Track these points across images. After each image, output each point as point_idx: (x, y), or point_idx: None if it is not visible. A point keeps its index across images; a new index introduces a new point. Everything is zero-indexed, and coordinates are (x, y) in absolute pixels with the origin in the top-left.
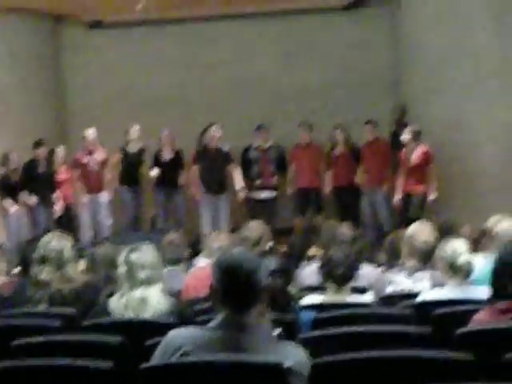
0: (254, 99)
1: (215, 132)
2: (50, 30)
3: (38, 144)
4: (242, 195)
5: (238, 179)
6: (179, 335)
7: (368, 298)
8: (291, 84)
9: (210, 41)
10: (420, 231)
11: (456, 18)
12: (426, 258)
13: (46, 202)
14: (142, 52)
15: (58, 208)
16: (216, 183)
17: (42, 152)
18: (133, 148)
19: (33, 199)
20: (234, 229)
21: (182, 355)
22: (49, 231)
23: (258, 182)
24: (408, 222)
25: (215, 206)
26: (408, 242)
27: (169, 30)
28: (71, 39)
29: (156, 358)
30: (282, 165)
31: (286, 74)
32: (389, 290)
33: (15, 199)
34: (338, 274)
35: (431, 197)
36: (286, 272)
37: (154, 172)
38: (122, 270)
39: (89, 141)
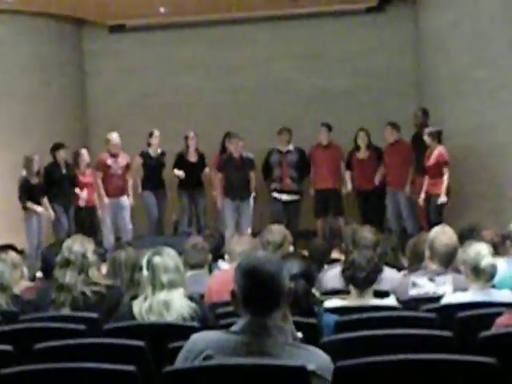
0: (277, 102)
1: (236, 142)
2: (73, 34)
3: (57, 147)
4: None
5: (252, 185)
6: (202, 339)
7: (390, 301)
8: (314, 87)
9: (233, 44)
10: (441, 234)
11: (479, 20)
12: (447, 261)
13: (67, 205)
14: (163, 56)
15: (82, 202)
16: (240, 190)
17: (61, 154)
18: (154, 152)
19: (52, 213)
20: (256, 233)
21: (204, 359)
22: (70, 235)
23: (276, 185)
24: (431, 225)
25: (238, 210)
26: (429, 246)
27: (190, 34)
28: (94, 43)
29: (179, 362)
30: (304, 168)
31: (308, 77)
32: (412, 293)
33: (38, 202)
34: (361, 278)
35: (441, 199)
36: (309, 275)
37: (181, 172)
38: (144, 273)
39: (113, 144)
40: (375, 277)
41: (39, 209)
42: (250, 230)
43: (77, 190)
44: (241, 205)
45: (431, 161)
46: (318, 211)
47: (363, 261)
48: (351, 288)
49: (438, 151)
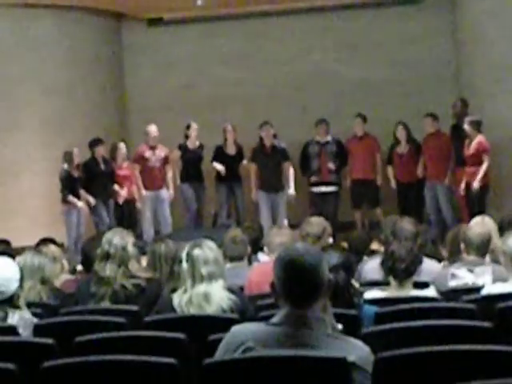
0: (314, 94)
1: (267, 130)
2: (110, 27)
3: (95, 143)
4: (291, 198)
5: (291, 180)
6: (242, 331)
7: (430, 292)
8: (352, 78)
9: (270, 36)
10: (474, 225)
11: None
12: (481, 250)
13: (107, 199)
14: (201, 49)
15: (121, 199)
16: (273, 180)
17: (100, 150)
18: (192, 145)
19: (92, 200)
20: (293, 225)
21: (244, 351)
22: (110, 228)
23: (315, 178)
24: (472, 216)
25: (273, 202)
26: (463, 237)
27: (227, 27)
28: (131, 37)
29: (219, 354)
30: (342, 158)
31: (346, 68)
32: (451, 284)
33: (78, 196)
34: (400, 269)
35: (475, 185)
36: (348, 267)
37: (221, 167)
38: (184, 265)
39: (151, 137)
40: (415, 268)
41: (80, 203)
42: (286, 222)
43: (116, 187)
44: (275, 197)
45: (471, 150)
46: (355, 202)
47: (403, 252)
48: (391, 279)
49: (477, 140)
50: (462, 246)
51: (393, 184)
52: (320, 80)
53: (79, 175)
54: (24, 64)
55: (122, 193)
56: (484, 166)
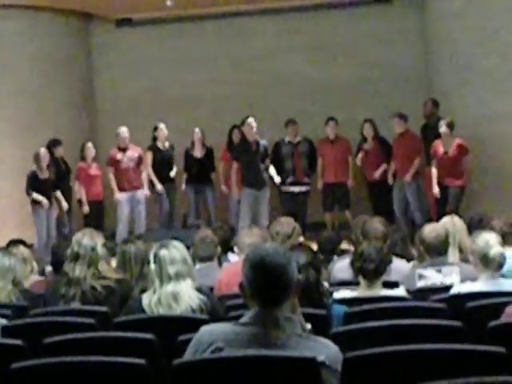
0: (284, 95)
1: (252, 123)
2: (79, 28)
3: (54, 143)
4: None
5: (274, 174)
6: (211, 331)
7: (400, 292)
8: (321, 79)
9: (239, 37)
10: (428, 226)
11: (485, 9)
12: (441, 250)
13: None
14: (170, 49)
15: (84, 201)
16: (257, 177)
17: (59, 151)
18: (162, 145)
19: (65, 204)
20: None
21: (213, 351)
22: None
23: (290, 178)
24: (440, 216)
25: (256, 200)
26: (420, 239)
27: (196, 28)
28: (100, 37)
29: (188, 355)
30: (313, 159)
31: (316, 69)
32: (419, 285)
33: (47, 197)
34: (370, 269)
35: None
36: (315, 266)
37: (173, 172)
38: (152, 266)
39: (122, 138)
40: (384, 268)
41: (44, 200)
42: (267, 222)
43: (75, 186)
44: (259, 194)
45: (451, 152)
46: (326, 205)
47: (373, 252)
48: (360, 279)
49: (456, 142)
50: (421, 248)
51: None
52: (290, 81)
53: (49, 177)
54: None
55: (80, 191)
56: (464, 168)
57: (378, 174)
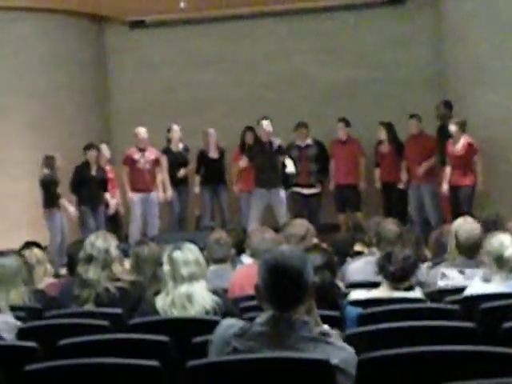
0: (297, 96)
1: (267, 126)
2: (93, 30)
3: (88, 147)
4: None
5: (289, 164)
6: (227, 330)
7: (415, 293)
8: (333, 81)
9: (251, 39)
10: (463, 226)
11: (499, 11)
12: (471, 253)
13: (97, 204)
14: (183, 51)
15: (112, 207)
16: (271, 177)
17: (92, 155)
18: (175, 147)
19: (72, 210)
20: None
21: (229, 353)
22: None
23: (294, 180)
24: (455, 217)
25: (268, 200)
26: (453, 238)
27: (209, 29)
28: (114, 40)
29: (211, 353)
30: (325, 160)
31: (328, 71)
32: (440, 284)
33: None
34: (396, 272)
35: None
36: (331, 267)
37: (182, 173)
38: (165, 268)
39: (140, 139)
40: (411, 274)
41: (72, 208)
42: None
43: (107, 196)
44: (271, 196)
45: (459, 151)
46: (339, 207)
47: (402, 256)
48: (383, 280)
49: (465, 141)
50: (452, 246)
51: (377, 184)
52: (302, 83)
53: (59, 180)
54: (6, 67)
55: (112, 202)
56: (479, 168)
57: (422, 170)
